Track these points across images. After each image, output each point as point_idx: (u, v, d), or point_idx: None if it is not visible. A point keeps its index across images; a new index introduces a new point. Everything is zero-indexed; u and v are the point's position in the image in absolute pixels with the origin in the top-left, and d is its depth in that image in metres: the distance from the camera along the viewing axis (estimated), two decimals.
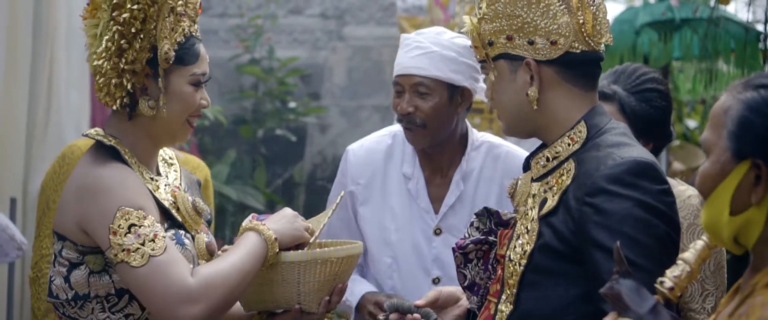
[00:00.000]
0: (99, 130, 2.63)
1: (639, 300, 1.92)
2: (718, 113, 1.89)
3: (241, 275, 2.49)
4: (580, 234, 2.21)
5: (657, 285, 1.93)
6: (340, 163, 3.51)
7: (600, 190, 2.20)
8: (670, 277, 1.93)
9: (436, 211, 3.39)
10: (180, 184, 2.72)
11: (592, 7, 2.37)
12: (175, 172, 2.75)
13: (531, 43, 2.34)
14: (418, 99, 3.29)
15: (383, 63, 8.81)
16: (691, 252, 1.95)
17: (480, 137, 3.47)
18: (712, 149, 1.90)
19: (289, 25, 8.79)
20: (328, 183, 8.18)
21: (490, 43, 2.38)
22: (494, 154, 3.45)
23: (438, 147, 3.37)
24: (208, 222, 2.81)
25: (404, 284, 3.35)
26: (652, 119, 3.08)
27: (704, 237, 1.95)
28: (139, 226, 2.42)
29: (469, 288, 2.55)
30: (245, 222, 2.67)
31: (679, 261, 1.95)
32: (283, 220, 2.65)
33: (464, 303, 2.67)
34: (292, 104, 8.33)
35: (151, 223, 2.44)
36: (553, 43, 2.34)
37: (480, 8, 2.40)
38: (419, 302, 2.71)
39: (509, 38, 2.36)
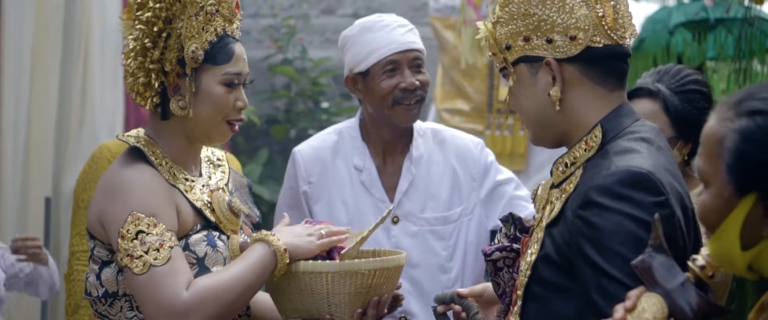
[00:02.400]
0: (140, 129, 2.64)
1: (669, 275, 1.85)
2: (711, 142, 1.77)
3: (242, 287, 2.48)
4: (573, 248, 2.10)
5: (689, 263, 1.86)
6: (287, 166, 3.56)
7: (590, 203, 2.08)
8: (703, 255, 1.85)
9: (391, 200, 3.42)
10: (227, 185, 2.72)
11: (612, 0, 2.25)
12: (222, 174, 2.75)
13: (549, 41, 2.23)
14: (417, 74, 3.37)
15: None
16: None
17: (422, 124, 3.52)
18: (712, 181, 1.78)
19: (321, 25, 8.79)
20: None
21: (508, 48, 2.28)
22: (440, 138, 3.51)
23: (406, 130, 3.42)
24: (257, 225, 2.81)
25: None
26: (694, 120, 3.05)
27: None
28: (147, 234, 2.44)
29: (501, 297, 2.51)
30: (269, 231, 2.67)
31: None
32: (294, 233, 2.63)
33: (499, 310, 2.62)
34: (325, 104, 8.33)
35: (160, 232, 2.45)
36: (573, 38, 2.21)
37: (494, 12, 2.32)
38: (462, 291, 2.66)
39: (526, 39, 2.25)
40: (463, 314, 2.64)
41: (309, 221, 2.80)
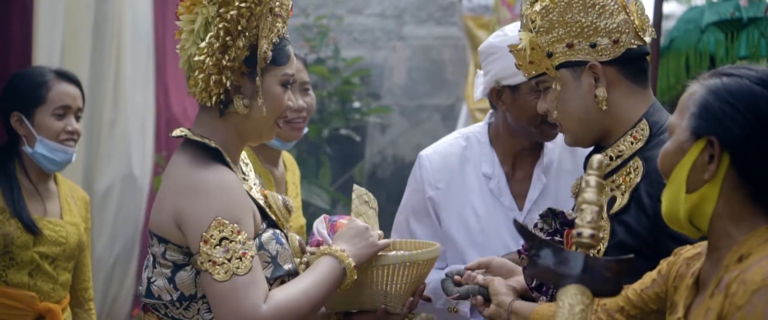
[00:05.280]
0: (184, 129, 2.61)
1: (568, 263, 1.95)
2: (684, 99, 2.00)
3: (311, 302, 2.50)
4: (657, 230, 2.25)
5: (576, 240, 1.94)
6: (413, 169, 3.47)
7: None
8: (585, 225, 1.95)
9: (521, 208, 3.34)
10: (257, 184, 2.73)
11: (634, 4, 2.43)
12: (252, 172, 2.75)
13: (593, 46, 2.38)
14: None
15: (443, 63, 8.78)
16: (588, 192, 1.97)
17: None
18: (675, 130, 1.99)
19: (349, 25, 8.79)
20: (389, 183, 8.19)
21: (549, 55, 2.41)
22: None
23: (535, 142, 3.34)
24: None
25: None
26: None
27: (591, 170, 1.99)
28: (231, 241, 2.42)
29: (538, 289, 2.56)
30: (319, 236, 2.70)
31: (583, 206, 1.96)
32: (357, 238, 2.64)
33: (515, 282, 2.69)
34: (356, 104, 8.34)
35: (244, 239, 2.43)
36: (616, 41, 2.38)
37: (533, 21, 2.42)
38: (471, 264, 2.80)
39: (569, 45, 2.39)
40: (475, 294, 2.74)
41: (327, 218, 2.80)
